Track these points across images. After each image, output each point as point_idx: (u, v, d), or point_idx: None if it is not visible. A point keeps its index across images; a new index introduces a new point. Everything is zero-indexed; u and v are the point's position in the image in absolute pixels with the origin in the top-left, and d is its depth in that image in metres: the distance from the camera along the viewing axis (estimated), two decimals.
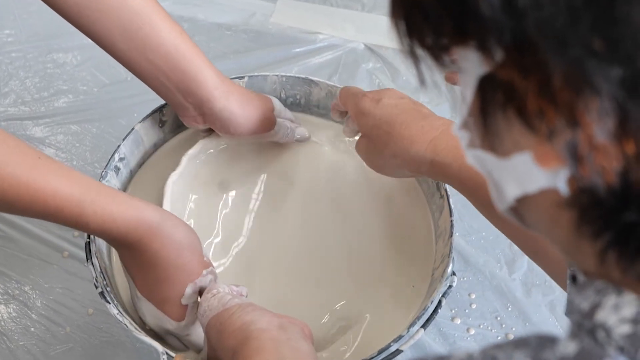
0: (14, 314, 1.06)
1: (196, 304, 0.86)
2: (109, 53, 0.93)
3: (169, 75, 0.92)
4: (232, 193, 1.04)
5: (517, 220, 0.47)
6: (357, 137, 0.94)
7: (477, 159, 0.46)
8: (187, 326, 0.87)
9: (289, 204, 1.04)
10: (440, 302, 0.88)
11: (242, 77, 1.03)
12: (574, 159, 0.39)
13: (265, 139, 1.00)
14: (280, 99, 1.05)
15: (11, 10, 1.44)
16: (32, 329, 1.05)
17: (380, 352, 0.83)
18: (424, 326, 0.86)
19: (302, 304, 0.98)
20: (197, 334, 0.88)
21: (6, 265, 1.11)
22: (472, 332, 1.06)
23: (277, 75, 1.05)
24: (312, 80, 1.06)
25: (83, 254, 0.91)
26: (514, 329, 1.07)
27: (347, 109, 0.93)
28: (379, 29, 1.44)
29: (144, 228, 0.80)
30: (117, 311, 0.84)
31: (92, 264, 0.88)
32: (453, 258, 0.90)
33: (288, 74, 1.05)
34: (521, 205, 0.45)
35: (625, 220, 0.40)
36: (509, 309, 1.08)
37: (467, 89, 0.43)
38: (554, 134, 0.39)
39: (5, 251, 1.12)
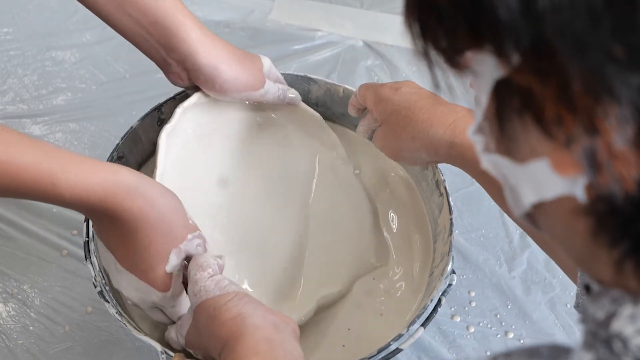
0: (12, 313, 1.06)
1: (181, 272, 0.82)
2: (90, 9, 0.90)
3: (150, 30, 0.90)
4: (227, 149, 1.01)
5: (533, 225, 0.46)
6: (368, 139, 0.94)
7: (492, 164, 0.45)
8: (173, 297, 0.82)
9: (281, 182, 1.04)
10: (440, 300, 0.88)
11: None
12: (592, 166, 0.39)
13: (254, 99, 0.98)
14: None
15: (9, 9, 1.44)
16: (31, 328, 1.05)
17: (380, 350, 0.82)
18: (423, 325, 0.85)
19: (290, 288, 0.98)
20: (184, 305, 0.84)
21: (5, 264, 1.11)
22: (472, 330, 1.06)
23: None
24: (310, 78, 1.05)
25: (82, 253, 0.91)
26: (513, 326, 1.06)
27: (365, 100, 0.93)
28: (377, 26, 1.44)
29: (121, 191, 0.75)
30: (115, 310, 0.84)
31: (91, 263, 0.88)
32: (452, 256, 0.90)
33: (287, 72, 1.05)
34: (537, 211, 0.44)
35: None
36: (509, 306, 1.08)
37: (481, 93, 0.43)
38: (572, 140, 0.39)
39: (4, 250, 1.12)
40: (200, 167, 0.98)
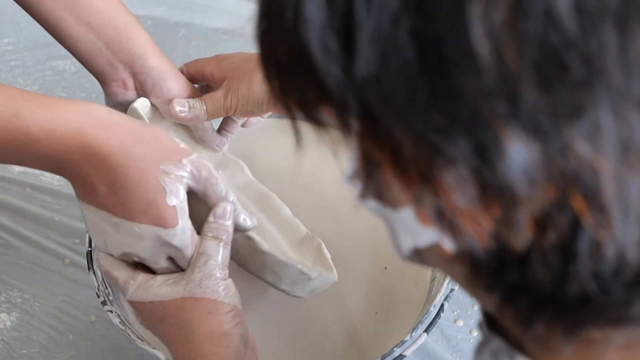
0: (16, 323, 1.06)
1: (186, 204, 0.73)
2: (33, 14, 0.86)
3: (99, 31, 0.86)
4: None
5: (422, 264, 0.46)
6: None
7: (370, 208, 0.44)
8: (184, 232, 0.72)
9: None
10: (442, 305, 0.88)
11: None
12: (442, 223, 0.38)
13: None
14: None
15: (10, 19, 1.44)
16: (35, 337, 1.05)
17: (383, 357, 0.82)
18: (426, 330, 0.85)
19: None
20: (195, 245, 0.75)
21: (8, 274, 1.11)
22: (475, 333, 1.06)
23: None
24: None
25: (84, 261, 0.91)
26: None
27: (203, 68, 0.91)
28: None
29: (94, 124, 0.68)
30: (119, 320, 0.84)
31: (94, 272, 0.88)
32: None
33: None
34: (418, 254, 0.44)
35: (508, 281, 0.39)
36: None
37: (347, 146, 0.42)
38: (419, 199, 0.38)
39: (7, 259, 1.12)
40: None
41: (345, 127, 0.39)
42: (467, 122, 0.34)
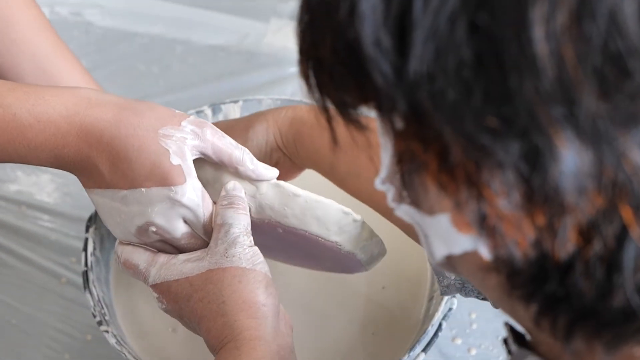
0: (11, 341, 1.06)
1: (192, 165, 0.72)
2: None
3: None
4: None
5: (453, 272, 0.45)
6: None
7: (405, 213, 0.43)
8: (194, 190, 0.71)
9: None
10: (440, 325, 0.87)
11: (237, 101, 1.03)
12: (483, 229, 0.38)
13: None
14: None
15: None
16: (31, 356, 1.05)
17: None
18: (424, 350, 0.85)
19: None
20: (207, 207, 0.73)
21: (3, 292, 1.10)
22: (474, 352, 1.05)
23: (272, 99, 1.05)
24: (306, 103, 1.05)
25: (81, 280, 0.91)
26: None
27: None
28: None
29: (84, 103, 0.68)
30: (115, 340, 0.84)
31: (90, 292, 0.88)
32: None
33: (282, 97, 1.05)
34: (451, 262, 0.43)
35: (548, 291, 0.38)
36: None
37: (383, 149, 0.42)
38: (460, 204, 0.38)
39: (2, 278, 1.12)
40: None
41: (387, 127, 0.39)
42: (521, 125, 0.34)
